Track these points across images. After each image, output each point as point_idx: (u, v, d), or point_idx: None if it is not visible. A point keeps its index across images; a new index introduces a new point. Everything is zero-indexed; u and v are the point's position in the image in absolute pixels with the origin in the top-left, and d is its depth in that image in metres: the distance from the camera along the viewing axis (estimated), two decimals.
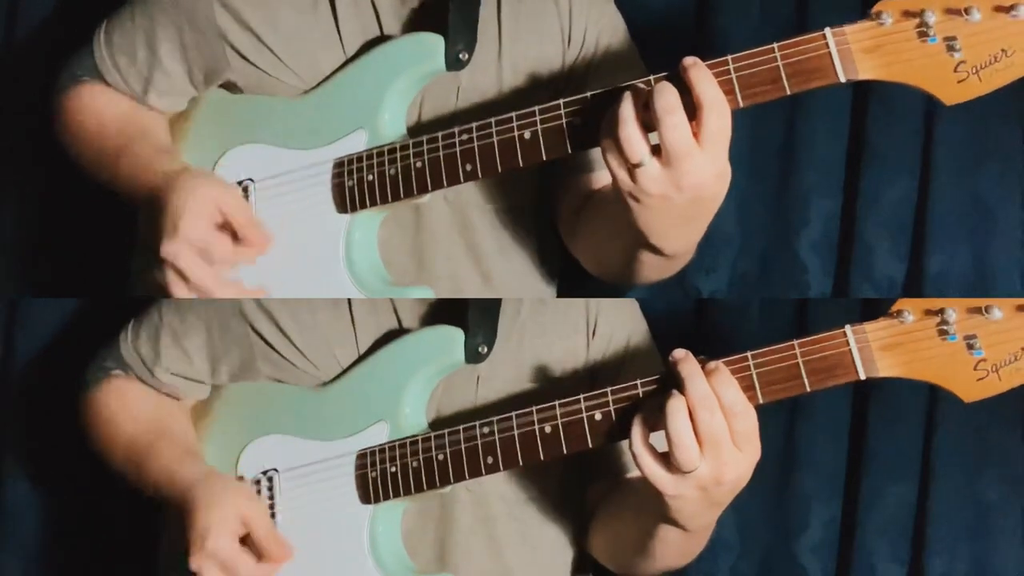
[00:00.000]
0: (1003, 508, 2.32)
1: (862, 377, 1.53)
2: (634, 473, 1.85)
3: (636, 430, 1.58)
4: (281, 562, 1.82)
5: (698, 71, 1.54)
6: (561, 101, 1.67)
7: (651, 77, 1.59)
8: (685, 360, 1.55)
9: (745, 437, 1.53)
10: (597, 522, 1.89)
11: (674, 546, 1.72)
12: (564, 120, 1.67)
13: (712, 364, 1.55)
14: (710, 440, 1.51)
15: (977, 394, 1.51)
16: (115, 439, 1.99)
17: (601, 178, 1.91)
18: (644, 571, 1.83)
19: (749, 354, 1.57)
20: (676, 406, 1.52)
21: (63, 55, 2.08)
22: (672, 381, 1.55)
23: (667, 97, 1.52)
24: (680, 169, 1.53)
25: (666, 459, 1.55)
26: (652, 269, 1.83)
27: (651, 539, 1.71)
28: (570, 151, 1.67)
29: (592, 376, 1.90)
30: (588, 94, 1.65)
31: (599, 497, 1.90)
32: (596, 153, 1.67)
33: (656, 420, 1.56)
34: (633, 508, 1.75)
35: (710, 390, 1.52)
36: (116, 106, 1.99)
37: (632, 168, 1.56)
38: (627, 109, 1.55)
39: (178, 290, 1.78)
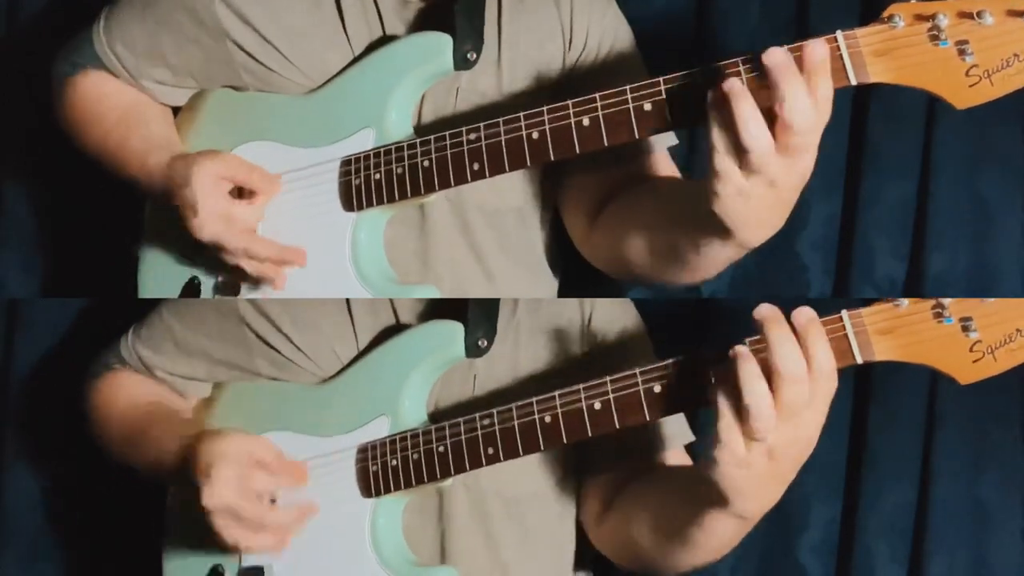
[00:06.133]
0: (1003, 508, 2.33)
1: (859, 361, 1.52)
2: (671, 461, 1.87)
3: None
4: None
5: (821, 68, 1.48)
6: (570, 102, 1.67)
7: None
8: (774, 323, 1.49)
9: (821, 399, 1.49)
10: (617, 513, 1.86)
11: (719, 537, 1.67)
12: (572, 120, 1.66)
13: (803, 316, 1.49)
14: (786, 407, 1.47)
15: (973, 376, 1.50)
16: (113, 423, 2.01)
17: (656, 165, 1.90)
18: (667, 565, 1.80)
19: (747, 341, 1.54)
20: (751, 374, 1.48)
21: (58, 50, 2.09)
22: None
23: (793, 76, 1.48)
24: (798, 152, 1.49)
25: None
26: (712, 264, 1.75)
27: (698, 529, 1.66)
28: (578, 151, 1.67)
29: (588, 370, 1.88)
30: (596, 95, 1.65)
31: (612, 488, 1.88)
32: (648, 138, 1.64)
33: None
34: (679, 495, 1.71)
35: (802, 358, 1.47)
36: (119, 95, 2.00)
37: (744, 155, 1.50)
38: (740, 88, 1.50)
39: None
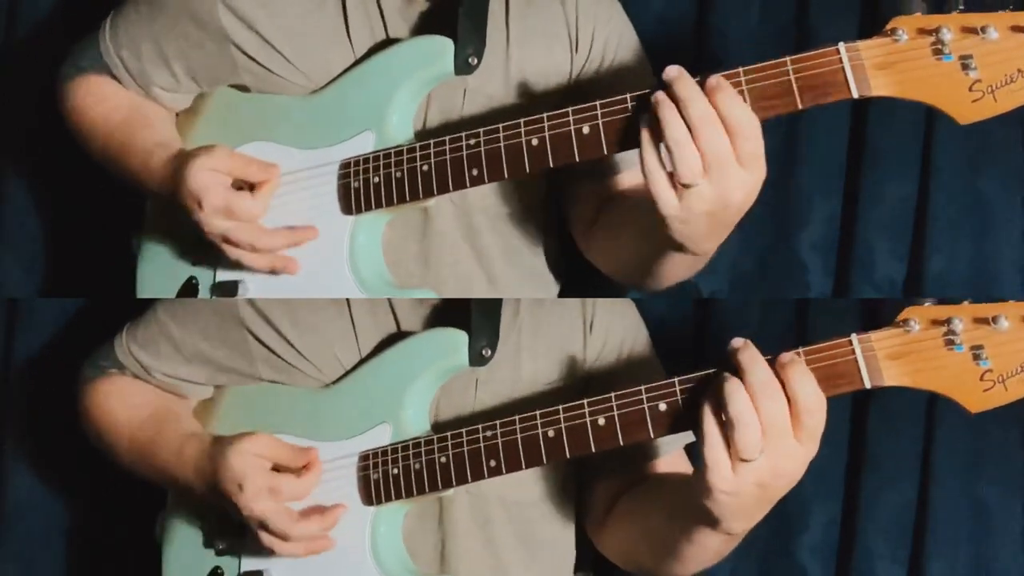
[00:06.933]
0: (1003, 509, 2.33)
1: (867, 386, 1.52)
2: (663, 468, 1.87)
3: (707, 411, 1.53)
4: (316, 465, 1.84)
5: (724, 94, 1.52)
6: (570, 109, 1.66)
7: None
8: (744, 348, 1.52)
9: (808, 434, 1.49)
10: (615, 521, 1.87)
11: (710, 551, 1.69)
12: (572, 127, 1.66)
13: (786, 356, 1.52)
14: (771, 426, 1.48)
15: (983, 404, 1.50)
16: (117, 433, 1.99)
17: (626, 180, 1.91)
18: (666, 572, 1.80)
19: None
20: (735, 388, 1.49)
21: (64, 54, 2.08)
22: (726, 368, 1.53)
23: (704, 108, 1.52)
24: (726, 185, 1.52)
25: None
26: (679, 269, 1.82)
27: (688, 543, 1.68)
28: (577, 159, 1.66)
29: (589, 376, 1.90)
30: (597, 102, 1.64)
31: (613, 494, 1.89)
32: (622, 154, 1.65)
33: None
34: (669, 510, 1.72)
35: (774, 378, 1.49)
36: (120, 96, 2.00)
37: (682, 189, 1.53)
38: (679, 129, 1.53)
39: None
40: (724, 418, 1.49)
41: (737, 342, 1.53)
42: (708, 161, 1.51)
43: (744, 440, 1.48)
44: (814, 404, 1.49)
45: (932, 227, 2.36)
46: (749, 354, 1.51)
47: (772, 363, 1.51)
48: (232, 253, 1.84)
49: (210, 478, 1.83)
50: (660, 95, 1.54)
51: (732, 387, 1.49)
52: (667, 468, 1.89)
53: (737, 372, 1.50)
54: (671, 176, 1.54)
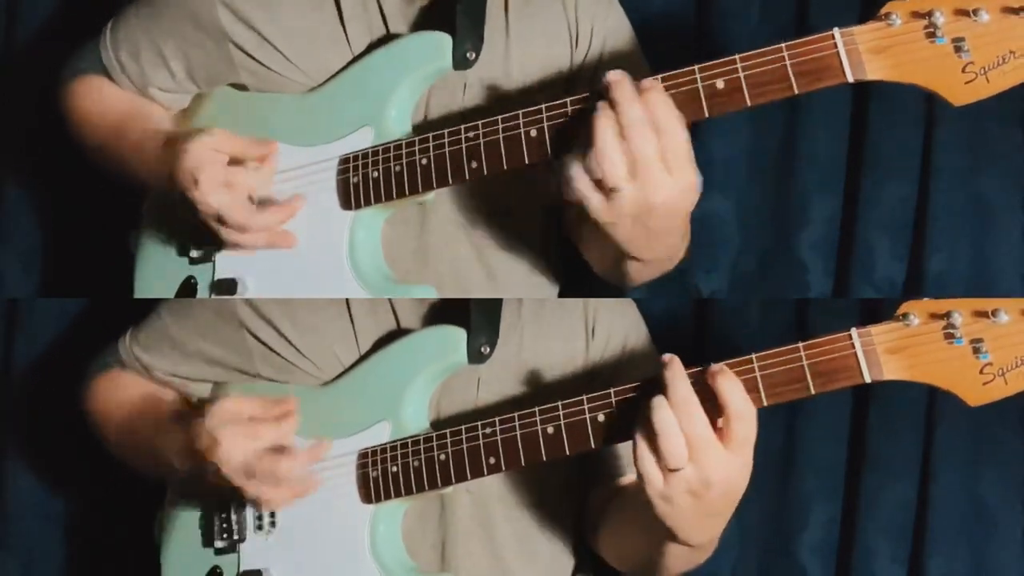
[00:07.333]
0: (1003, 508, 2.32)
1: (867, 380, 1.52)
2: (628, 479, 1.87)
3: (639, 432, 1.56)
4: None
5: (656, 94, 1.56)
6: (568, 99, 1.66)
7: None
8: (670, 364, 1.56)
9: (738, 442, 1.52)
10: (606, 528, 1.88)
11: (681, 558, 1.71)
12: (569, 118, 1.66)
13: (715, 367, 1.55)
14: (693, 438, 1.51)
15: (983, 398, 1.50)
16: (110, 425, 2.00)
17: None
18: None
19: (754, 356, 1.56)
20: (659, 403, 1.52)
21: (64, 55, 2.09)
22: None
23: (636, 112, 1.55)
24: (650, 188, 1.55)
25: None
26: (640, 273, 1.86)
27: (658, 554, 1.70)
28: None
29: (591, 377, 1.90)
30: (596, 91, 1.64)
31: (603, 501, 1.89)
32: None
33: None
34: (639, 524, 1.73)
35: (693, 394, 1.52)
36: (118, 95, 2.01)
37: (608, 193, 1.56)
38: (607, 134, 1.56)
39: (226, 235, 1.82)
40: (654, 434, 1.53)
41: (665, 358, 1.57)
42: (635, 164, 1.54)
43: (667, 449, 1.51)
44: (743, 411, 1.52)
45: (932, 227, 2.35)
46: (672, 371, 1.55)
47: (703, 372, 1.55)
48: (226, 235, 1.83)
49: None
50: (600, 102, 1.57)
51: (656, 402, 1.53)
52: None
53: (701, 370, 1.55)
54: (599, 182, 1.57)
